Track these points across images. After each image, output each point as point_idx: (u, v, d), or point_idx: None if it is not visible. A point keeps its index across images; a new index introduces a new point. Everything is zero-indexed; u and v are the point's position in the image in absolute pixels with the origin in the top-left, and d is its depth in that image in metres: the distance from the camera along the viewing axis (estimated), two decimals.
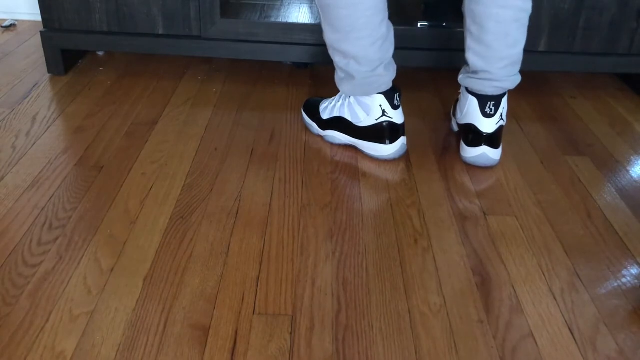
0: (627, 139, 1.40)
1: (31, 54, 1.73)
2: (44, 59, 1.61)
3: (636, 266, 1.00)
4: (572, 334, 0.86)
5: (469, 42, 1.20)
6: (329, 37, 1.19)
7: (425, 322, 0.87)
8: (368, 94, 1.22)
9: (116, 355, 0.80)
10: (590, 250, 1.03)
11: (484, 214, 1.11)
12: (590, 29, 1.49)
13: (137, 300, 0.88)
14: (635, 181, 1.24)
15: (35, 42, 1.81)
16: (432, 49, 1.51)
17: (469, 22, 1.19)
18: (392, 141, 1.24)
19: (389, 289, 0.93)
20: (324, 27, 1.19)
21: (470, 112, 1.24)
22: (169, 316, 0.86)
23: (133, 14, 1.48)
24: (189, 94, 1.52)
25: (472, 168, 1.25)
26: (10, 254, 0.96)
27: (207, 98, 1.50)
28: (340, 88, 1.26)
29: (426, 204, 1.13)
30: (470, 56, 1.21)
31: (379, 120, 1.23)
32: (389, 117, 1.23)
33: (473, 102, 1.22)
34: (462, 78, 1.26)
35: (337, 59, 1.22)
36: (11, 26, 1.94)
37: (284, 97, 1.53)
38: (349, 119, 1.27)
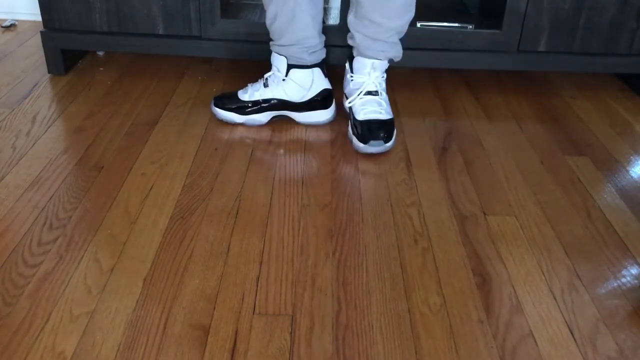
0: (627, 139, 1.40)
1: (31, 54, 1.73)
2: (44, 59, 1.61)
3: (636, 266, 1.00)
4: (572, 334, 0.86)
5: None
6: None
7: (425, 322, 0.87)
8: None
9: (116, 355, 0.80)
10: (590, 250, 1.03)
11: (484, 214, 1.11)
12: (590, 29, 1.49)
13: (137, 300, 0.88)
14: (635, 181, 1.24)
15: (35, 42, 1.81)
16: (432, 49, 1.51)
17: None
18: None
19: (389, 289, 0.93)
20: None
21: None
22: (169, 316, 0.86)
23: (133, 14, 1.48)
24: (189, 94, 1.52)
25: (472, 168, 1.25)
26: (11, 254, 0.96)
27: (207, 98, 1.50)
28: None
29: (426, 204, 1.13)
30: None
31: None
32: None
33: None
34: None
35: None
36: (11, 26, 1.94)
37: None
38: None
